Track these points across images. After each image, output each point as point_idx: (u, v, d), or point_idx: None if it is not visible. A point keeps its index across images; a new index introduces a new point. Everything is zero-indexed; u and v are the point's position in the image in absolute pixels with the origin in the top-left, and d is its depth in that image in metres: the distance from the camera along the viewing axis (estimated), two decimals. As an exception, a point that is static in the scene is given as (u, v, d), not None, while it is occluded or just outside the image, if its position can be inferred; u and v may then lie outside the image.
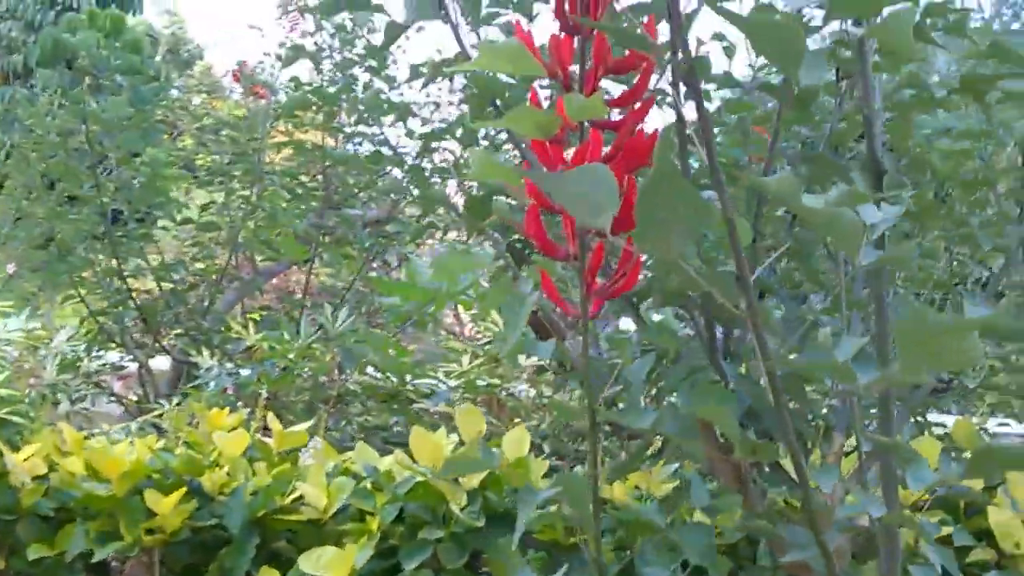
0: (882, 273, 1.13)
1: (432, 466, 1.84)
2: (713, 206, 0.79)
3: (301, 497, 1.92)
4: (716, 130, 1.45)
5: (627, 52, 0.95)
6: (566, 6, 0.90)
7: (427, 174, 2.80)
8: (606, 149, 0.92)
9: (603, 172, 0.70)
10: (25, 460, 2.17)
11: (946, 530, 1.71)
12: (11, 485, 2.16)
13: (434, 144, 2.87)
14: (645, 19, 0.95)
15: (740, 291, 0.86)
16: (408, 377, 2.98)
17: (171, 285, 3.54)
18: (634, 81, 0.91)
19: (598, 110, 0.81)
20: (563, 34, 0.91)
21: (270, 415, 2.26)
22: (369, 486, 1.92)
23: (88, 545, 1.97)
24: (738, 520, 1.37)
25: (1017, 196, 1.73)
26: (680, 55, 0.79)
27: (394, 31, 1.83)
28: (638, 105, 0.91)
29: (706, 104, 0.87)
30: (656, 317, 1.50)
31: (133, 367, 3.59)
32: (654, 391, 1.81)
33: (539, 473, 1.89)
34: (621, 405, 1.59)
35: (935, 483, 1.04)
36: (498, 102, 1.73)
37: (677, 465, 1.82)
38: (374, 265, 4.42)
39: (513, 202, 2.11)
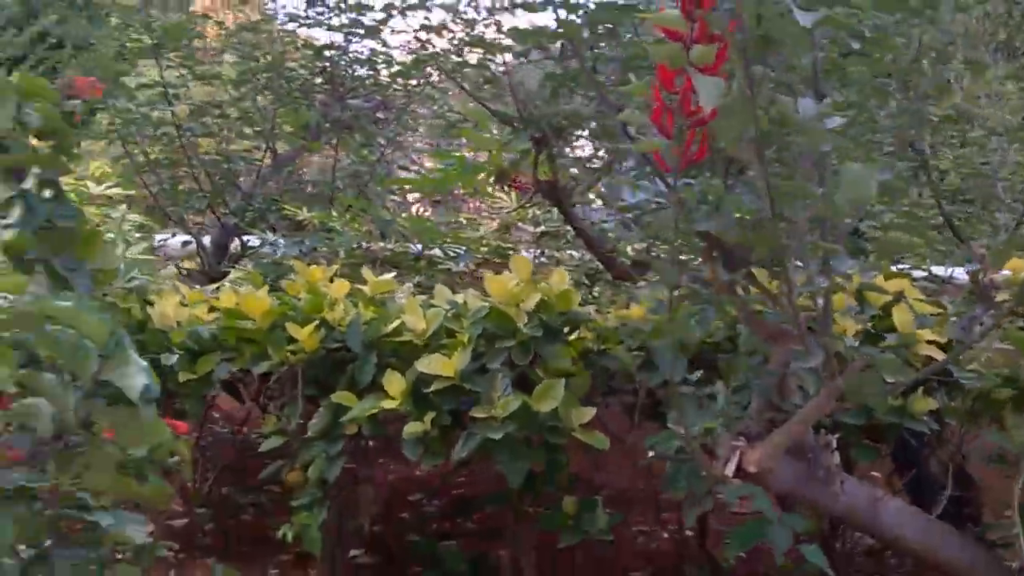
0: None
1: (501, 299, 2.53)
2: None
3: (403, 325, 2.60)
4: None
5: None
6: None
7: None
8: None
9: (719, 83, 1.39)
10: (167, 311, 2.84)
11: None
12: (160, 329, 2.83)
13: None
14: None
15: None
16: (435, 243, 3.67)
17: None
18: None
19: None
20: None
21: (364, 268, 2.93)
22: (451, 315, 2.62)
23: (243, 365, 2.66)
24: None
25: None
26: None
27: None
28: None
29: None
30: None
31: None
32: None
33: (576, 301, 2.60)
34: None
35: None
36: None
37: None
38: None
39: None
